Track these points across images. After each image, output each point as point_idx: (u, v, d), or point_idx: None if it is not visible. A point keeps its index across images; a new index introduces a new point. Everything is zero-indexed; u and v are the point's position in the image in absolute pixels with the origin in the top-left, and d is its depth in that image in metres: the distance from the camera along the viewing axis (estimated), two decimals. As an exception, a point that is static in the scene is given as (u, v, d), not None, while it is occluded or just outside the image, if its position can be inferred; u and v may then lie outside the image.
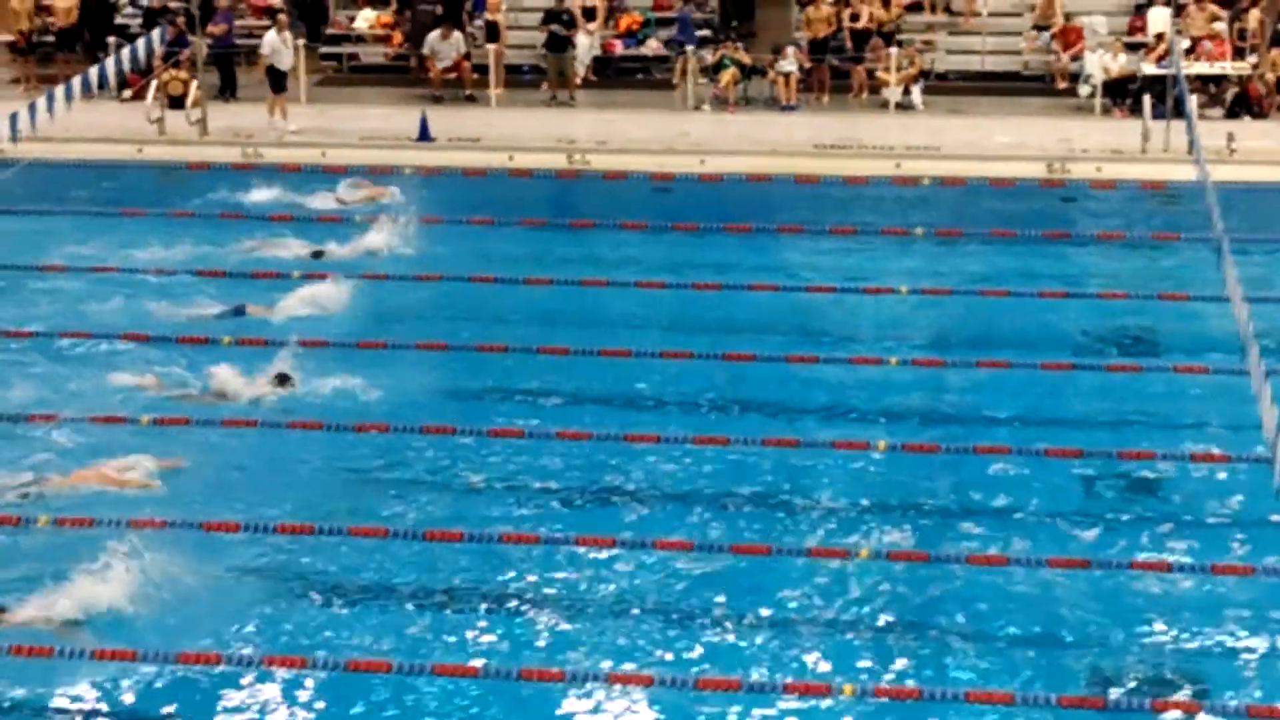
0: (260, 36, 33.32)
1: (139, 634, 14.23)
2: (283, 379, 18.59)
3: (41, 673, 13.76)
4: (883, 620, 14.94)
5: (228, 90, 31.78)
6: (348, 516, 16.28)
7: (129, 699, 13.76)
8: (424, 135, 28.92)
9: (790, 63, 30.94)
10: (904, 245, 23.86)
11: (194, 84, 29.77)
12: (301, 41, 31.84)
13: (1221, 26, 31.20)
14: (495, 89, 31.45)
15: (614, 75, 33.10)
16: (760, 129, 29.65)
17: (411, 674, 13.70)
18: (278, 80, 30.24)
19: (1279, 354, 19.43)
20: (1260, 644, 14.60)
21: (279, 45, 30.47)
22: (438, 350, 19.79)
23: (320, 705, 13.69)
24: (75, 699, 13.73)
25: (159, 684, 13.87)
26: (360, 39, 33.85)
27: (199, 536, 15.31)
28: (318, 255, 23.49)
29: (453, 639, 14.55)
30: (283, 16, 31.26)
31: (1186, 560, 15.76)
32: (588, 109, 31.23)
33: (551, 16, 31.98)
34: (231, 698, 13.75)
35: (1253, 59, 30.82)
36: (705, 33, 32.92)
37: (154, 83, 29.67)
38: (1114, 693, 13.89)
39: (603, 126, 29.43)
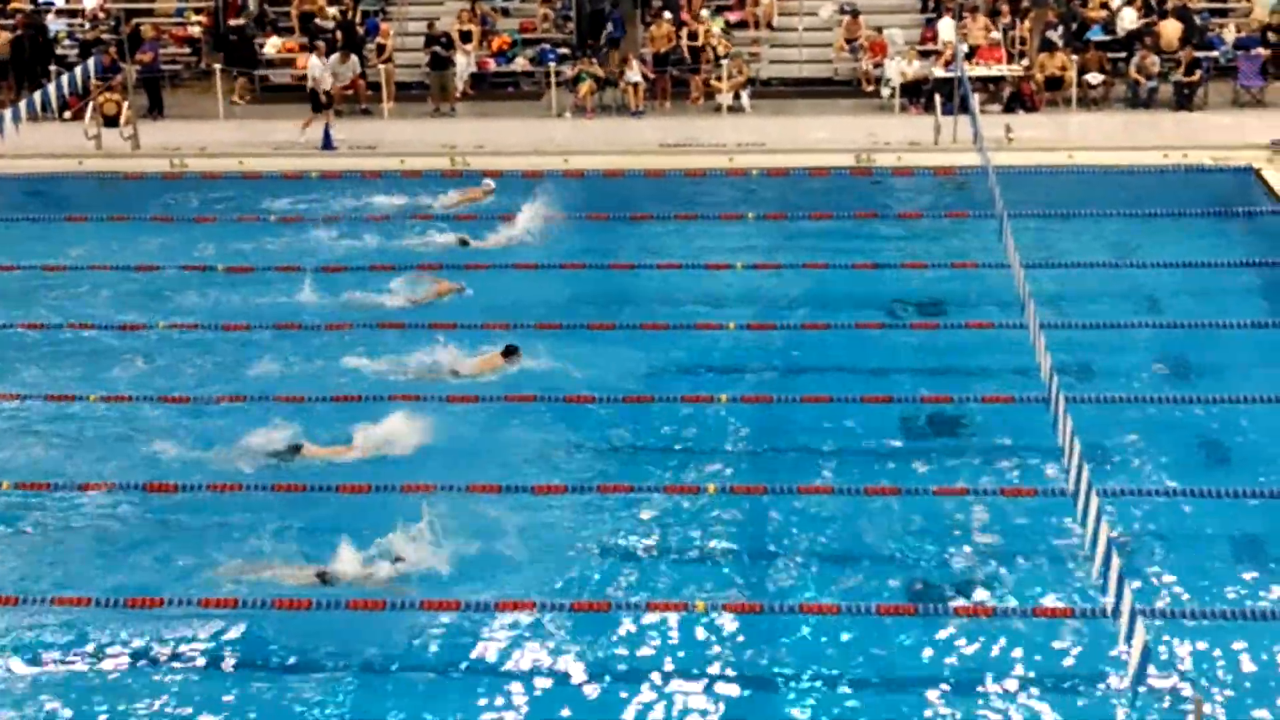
0: (182, 64, 32.91)
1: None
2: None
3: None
4: (728, 545, 15.01)
5: (155, 110, 31.24)
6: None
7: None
8: (327, 144, 28.57)
9: (636, 74, 30.87)
10: (738, 228, 23.87)
11: (125, 105, 29.21)
12: (219, 66, 31.35)
13: (998, 35, 31.48)
14: (387, 103, 31.10)
15: (488, 89, 32.84)
16: (614, 132, 29.54)
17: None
18: (316, 100, 29.69)
19: (1050, 310, 19.75)
20: (1042, 554, 14.82)
21: (320, 69, 29.91)
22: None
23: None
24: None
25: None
26: (270, 62, 33.34)
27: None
28: (464, 244, 23.05)
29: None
30: (320, 43, 30.65)
31: (979, 485, 15.96)
32: (467, 118, 30.96)
33: (433, 39, 31.73)
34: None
35: (1024, 62, 31.13)
36: (565, 51, 32.79)
37: (91, 104, 29.07)
38: (922, 600, 14.04)
39: (480, 133, 29.20)
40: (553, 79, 31.18)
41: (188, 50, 33.74)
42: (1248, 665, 13.14)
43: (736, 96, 30.94)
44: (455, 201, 25.15)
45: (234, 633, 13.64)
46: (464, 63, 32.09)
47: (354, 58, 31.23)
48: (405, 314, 20.38)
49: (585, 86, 30.97)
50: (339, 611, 13.49)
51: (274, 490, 15.54)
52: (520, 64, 32.87)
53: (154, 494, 15.64)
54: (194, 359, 19.47)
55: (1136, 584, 13.71)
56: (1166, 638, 13.32)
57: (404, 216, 24.50)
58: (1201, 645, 13.34)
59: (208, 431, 17.18)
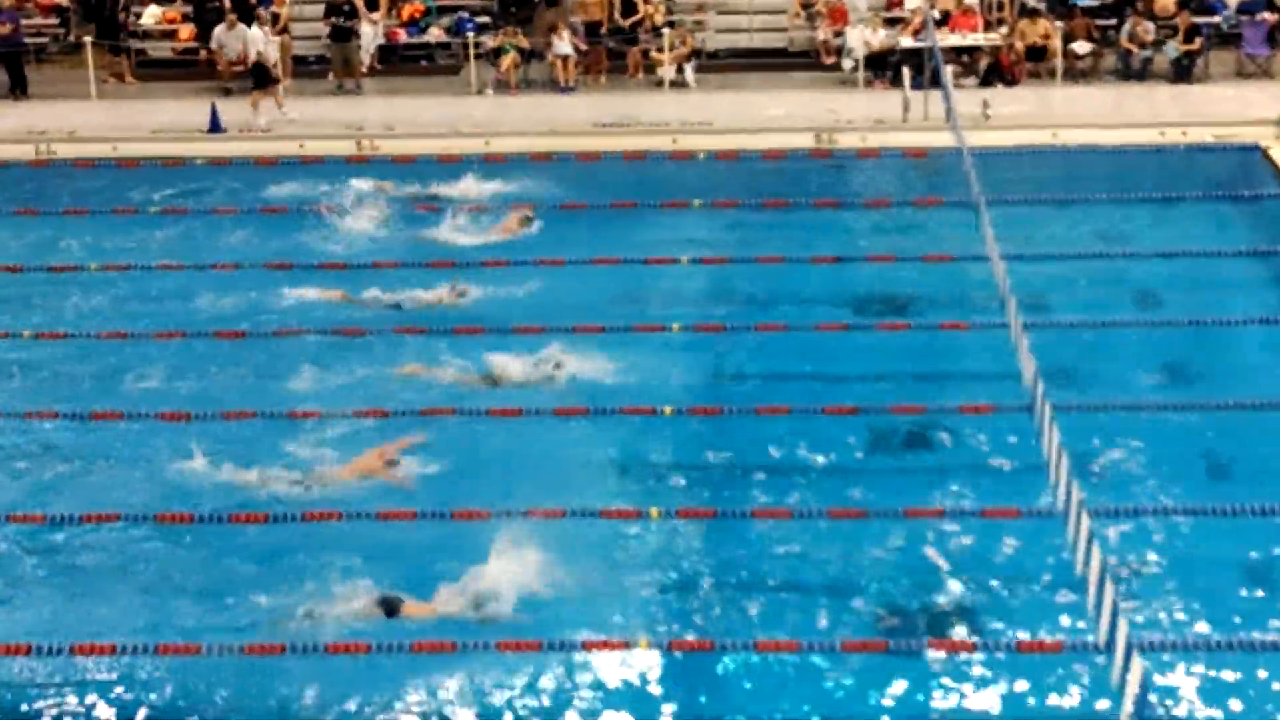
0: (48, 36, 32.73)
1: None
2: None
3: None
4: (672, 576, 15.00)
5: (17, 88, 31.03)
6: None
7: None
8: (215, 127, 28.44)
9: (566, 45, 30.89)
10: (683, 217, 23.87)
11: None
12: (89, 39, 31.16)
13: (972, 1, 31.68)
14: (284, 79, 31.01)
15: (399, 62, 32.82)
16: (541, 110, 29.58)
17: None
18: (262, 75, 29.49)
19: (1034, 308, 19.84)
20: (1027, 582, 14.88)
21: (263, 40, 29.75)
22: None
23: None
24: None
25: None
26: (148, 34, 33.17)
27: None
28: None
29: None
30: (262, 11, 30.49)
31: (957, 505, 16.02)
32: (374, 96, 30.94)
33: (334, 8, 31.64)
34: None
35: (1003, 30, 31.33)
36: (485, 19, 32.79)
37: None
38: (893, 635, 14.08)
39: (389, 112, 29.17)
40: (471, 51, 31.17)
41: (54, 21, 33.52)
42: (1257, 702, 13.24)
43: (680, 70, 31.01)
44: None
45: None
46: (370, 33, 32.05)
47: (242, 26, 31.14)
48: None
49: (508, 59, 30.98)
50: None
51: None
52: (434, 34, 32.85)
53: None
54: (69, 368, 19.37)
55: (1134, 613, 13.82)
56: (1167, 673, 13.41)
57: (303, 207, 24.45)
58: (1206, 680, 13.43)
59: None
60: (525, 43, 31.33)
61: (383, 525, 15.29)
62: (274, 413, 17.67)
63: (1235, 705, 13.21)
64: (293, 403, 18.03)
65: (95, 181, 26.01)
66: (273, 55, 29.88)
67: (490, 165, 25.72)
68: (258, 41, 29.79)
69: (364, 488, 16.35)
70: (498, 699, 13.35)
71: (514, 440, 17.21)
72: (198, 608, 14.63)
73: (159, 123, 28.90)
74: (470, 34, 31.55)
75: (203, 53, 32.21)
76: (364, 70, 31.69)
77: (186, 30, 32.84)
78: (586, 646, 13.67)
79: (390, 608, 14.27)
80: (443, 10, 33.23)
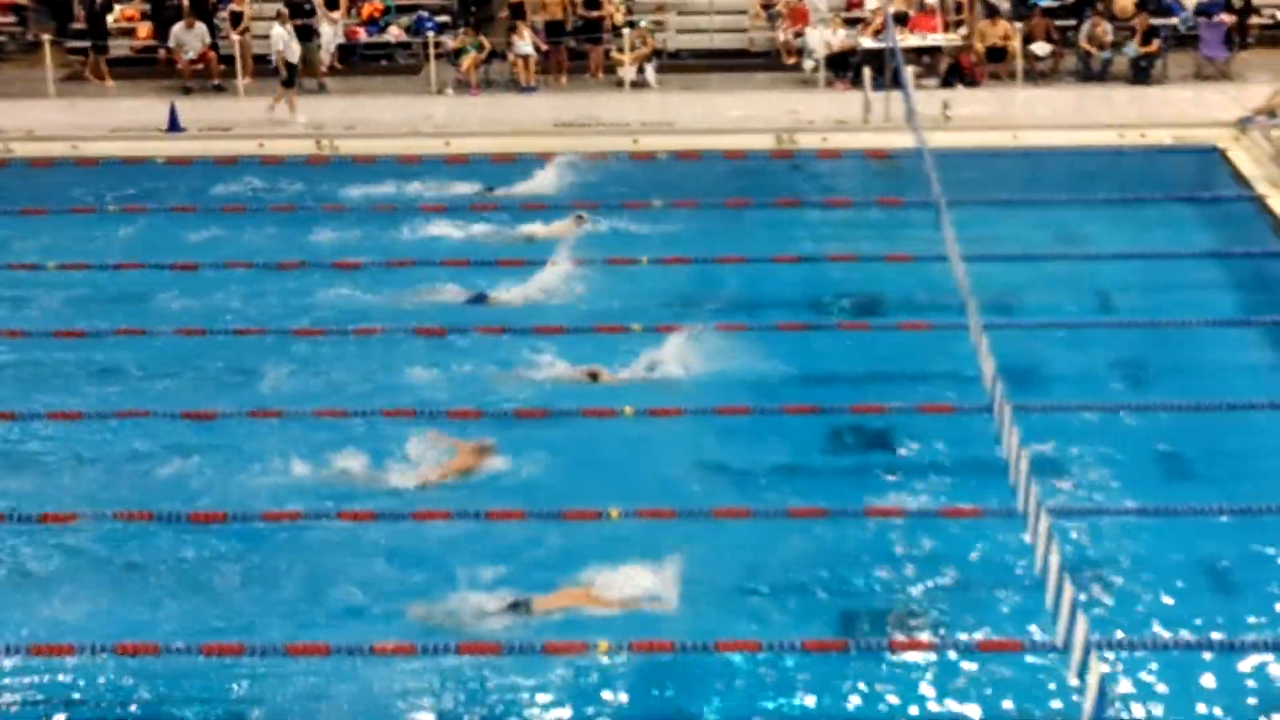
0: (5, 34, 32.54)
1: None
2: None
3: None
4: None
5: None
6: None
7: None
8: (174, 126, 28.29)
9: (527, 45, 30.84)
10: (643, 217, 23.84)
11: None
12: (48, 37, 31.00)
13: (934, 1, 31.72)
14: (243, 78, 30.89)
15: (359, 62, 32.72)
16: (502, 110, 29.53)
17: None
18: (289, 74, 29.34)
19: (994, 308, 19.89)
20: (988, 581, 14.91)
21: (286, 38, 29.52)
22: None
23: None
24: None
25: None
26: (107, 32, 32.96)
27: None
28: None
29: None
30: (283, 9, 30.24)
31: (917, 505, 16.04)
32: (334, 96, 30.80)
33: (295, 7, 31.51)
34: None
35: (964, 31, 31.40)
36: (445, 19, 32.73)
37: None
38: (854, 634, 14.09)
39: (350, 112, 29.07)
40: (432, 50, 31.08)
41: (12, 19, 33.33)
42: (1216, 701, 13.28)
43: (640, 70, 30.98)
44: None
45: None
46: (330, 33, 31.94)
47: (201, 25, 31.01)
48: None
49: (469, 59, 30.90)
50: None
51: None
52: (394, 33, 32.78)
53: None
54: (17, 369, 19.28)
55: (1093, 612, 13.86)
56: (1127, 673, 13.44)
57: (264, 206, 24.42)
58: (1164, 679, 13.48)
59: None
60: (486, 42, 31.25)
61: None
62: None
63: (1193, 704, 13.25)
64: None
65: (54, 180, 25.87)
66: (295, 54, 29.60)
67: (453, 166, 25.68)
68: (280, 40, 29.53)
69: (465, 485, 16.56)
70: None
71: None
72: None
73: (118, 122, 28.75)
74: (430, 33, 31.48)
75: (160, 51, 32.02)
76: (324, 70, 31.54)
77: (145, 29, 32.66)
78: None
79: (522, 607, 14.36)
80: (402, 9, 33.16)
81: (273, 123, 28.45)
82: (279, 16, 30.04)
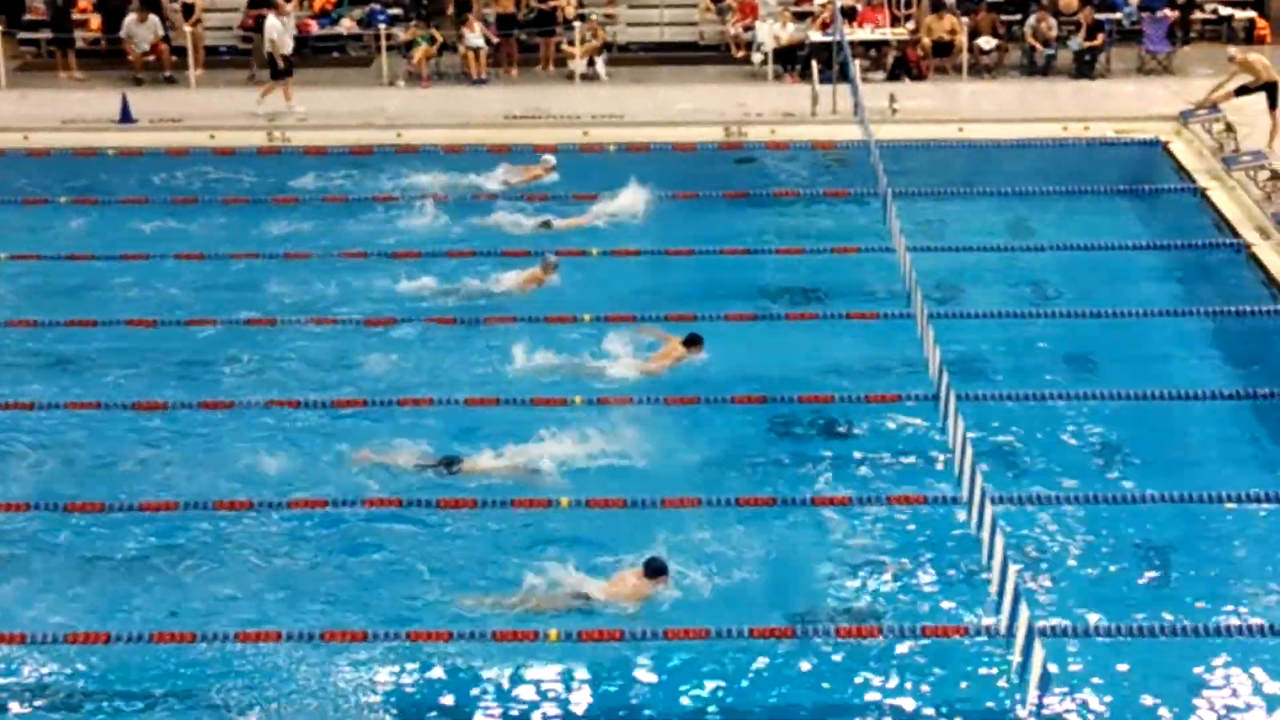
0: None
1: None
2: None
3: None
4: (573, 563, 14.99)
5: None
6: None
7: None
8: (125, 117, 28.15)
9: (478, 37, 30.80)
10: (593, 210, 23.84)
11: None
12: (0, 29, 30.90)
13: (880, -5, 31.84)
14: (195, 70, 30.76)
15: (310, 54, 32.60)
16: (453, 102, 29.47)
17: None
18: (275, 66, 29.05)
19: (940, 298, 20.02)
20: (933, 567, 14.99)
21: (280, 29, 29.26)
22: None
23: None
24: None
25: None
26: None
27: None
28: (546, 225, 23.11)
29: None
30: (281, 1, 29.98)
31: (862, 493, 16.10)
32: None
33: (255, -1, 31.40)
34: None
35: (910, 25, 31.49)
36: (396, 11, 32.65)
37: None
38: (801, 622, 14.14)
39: (302, 103, 28.92)
40: (383, 43, 31.03)
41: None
42: (1156, 687, 13.38)
43: (591, 63, 30.98)
44: (516, 181, 24.81)
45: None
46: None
47: (153, 17, 30.88)
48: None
49: (420, 51, 30.84)
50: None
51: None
52: (346, 26, 32.71)
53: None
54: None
55: (1036, 599, 13.96)
56: (1069, 658, 13.53)
57: (216, 197, 24.35)
58: (1107, 666, 13.57)
59: None
60: (437, 34, 31.19)
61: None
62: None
63: (1135, 691, 13.34)
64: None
65: (3, 172, 25.74)
66: (288, 46, 29.37)
67: (403, 157, 25.65)
68: (274, 31, 29.31)
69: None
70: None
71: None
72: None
73: (69, 113, 28.60)
74: (382, 26, 31.40)
75: (103, 43, 31.86)
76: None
77: (95, 20, 32.48)
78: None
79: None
80: (354, 2, 33.08)
81: (269, 115, 28.31)
82: (275, 7, 29.71)
